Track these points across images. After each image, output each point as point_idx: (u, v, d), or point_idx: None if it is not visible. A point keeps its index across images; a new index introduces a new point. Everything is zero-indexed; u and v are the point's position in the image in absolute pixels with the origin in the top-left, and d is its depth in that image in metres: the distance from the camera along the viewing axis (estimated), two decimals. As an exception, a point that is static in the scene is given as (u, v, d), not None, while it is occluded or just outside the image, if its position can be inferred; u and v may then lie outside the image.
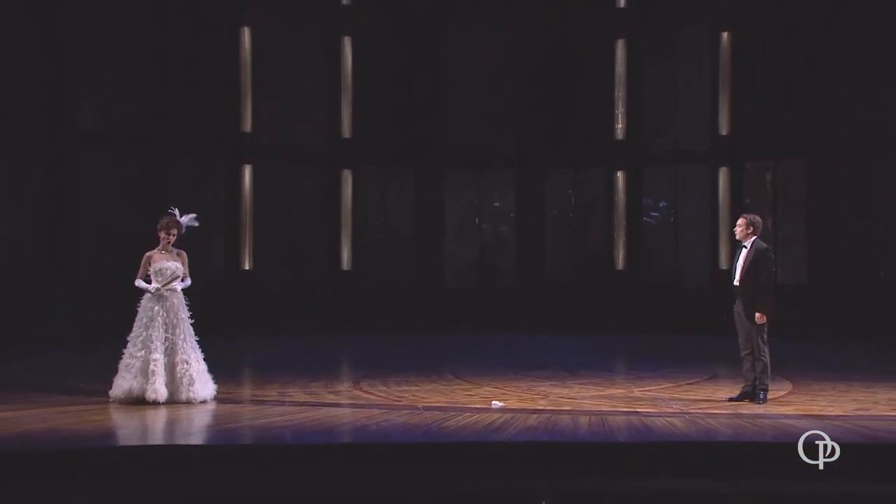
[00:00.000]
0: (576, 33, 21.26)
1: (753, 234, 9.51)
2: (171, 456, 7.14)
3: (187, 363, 9.41)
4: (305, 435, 7.98)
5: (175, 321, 9.45)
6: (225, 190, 20.37)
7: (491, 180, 21.91)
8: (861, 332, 17.61)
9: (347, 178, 20.93)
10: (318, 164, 20.97)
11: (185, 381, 9.36)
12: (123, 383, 9.35)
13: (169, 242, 9.61)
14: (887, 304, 18.12)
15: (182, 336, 9.45)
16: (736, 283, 9.51)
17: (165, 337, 9.40)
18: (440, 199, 21.37)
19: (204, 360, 9.60)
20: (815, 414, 8.80)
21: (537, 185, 21.43)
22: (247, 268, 20.22)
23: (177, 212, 9.73)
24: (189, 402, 9.30)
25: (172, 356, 9.39)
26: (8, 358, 14.12)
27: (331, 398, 10.16)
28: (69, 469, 6.75)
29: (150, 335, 9.36)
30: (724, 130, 20.45)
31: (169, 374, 9.36)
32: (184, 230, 9.71)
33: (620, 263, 21.04)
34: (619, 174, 21.15)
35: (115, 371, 9.47)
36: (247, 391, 11.01)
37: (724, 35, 20.49)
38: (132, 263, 9.69)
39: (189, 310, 9.60)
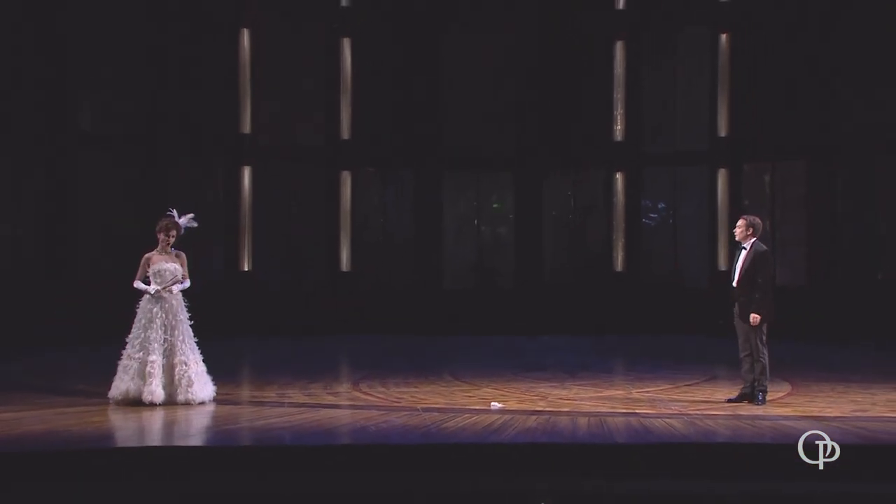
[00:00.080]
0: (575, 34, 21.26)
1: (753, 235, 9.52)
2: (171, 457, 7.15)
3: (186, 364, 9.41)
4: (305, 436, 7.99)
5: (174, 322, 9.46)
6: (224, 191, 20.39)
7: (490, 182, 21.90)
8: (860, 333, 17.62)
9: (346, 179, 20.94)
10: (318, 165, 20.97)
11: (183, 382, 9.36)
12: (121, 385, 9.36)
13: (168, 244, 9.62)
14: (886, 305, 18.12)
15: (181, 337, 9.46)
16: (734, 284, 9.52)
17: (164, 338, 9.40)
18: (439, 200, 21.36)
19: (203, 361, 9.61)
20: (814, 415, 8.81)
21: (536, 186, 21.43)
22: (246, 269, 20.23)
23: (175, 213, 9.74)
24: (188, 404, 9.30)
25: (171, 357, 9.39)
26: (8, 358, 14.14)
27: (330, 399, 10.17)
28: (68, 470, 6.76)
29: (149, 337, 9.37)
30: (722, 132, 20.48)
31: (168, 375, 9.37)
32: (182, 231, 9.72)
33: (619, 264, 21.06)
34: (619, 175, 21.16)
35: (113, 372, 9.48)
36: (246, 392, 11.02)
37: (723, 36, 20.52)
38: (132, 263, 9.69)
39: (188, 311, 9.61)
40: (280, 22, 20.70)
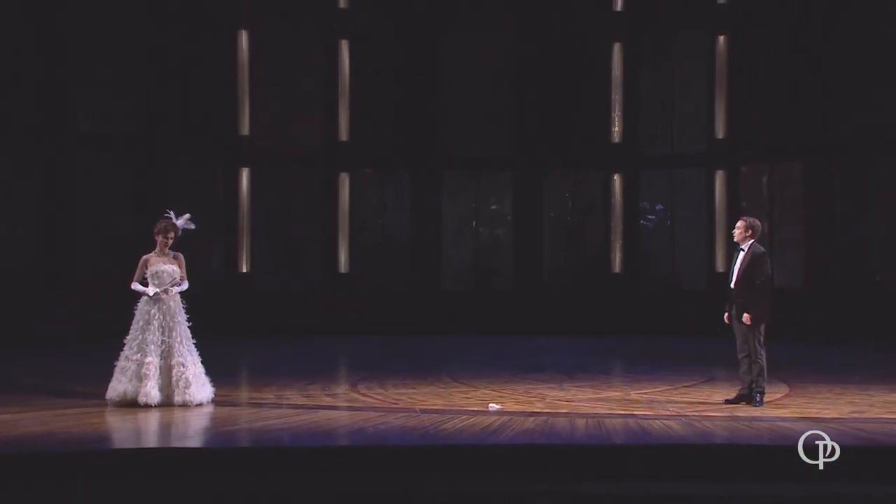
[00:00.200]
0: (575, 35, 21.28)
1: (752, 237, 9.54)
2: (169, 458, 7.15)
3: (183, 366, 9.41)
4: (303, 437, 8.00)
5: (171, 324, 9.46)
6: (223, 192, 20.39)
7: (488, 183, 21.91)
8: (857, 335, 17.64)
9: (345, 180, 20.94)
10: (316, 166, 20.98)
11: (181, 383, 9.36)
12: (119, 386, 9.35)
13: (166, 245, 9.62)
14: (883, 307, 18.14)
15: (178, 339, 9.45)
16: (732, 285, 9.54)
17: (162, 340, 9.40)
18: (438, 201, 21.37)
19: (201, 362, 9.61)
20: (812, 416, 8.82)
21: (534, 187, 21.44)
22: (244, 270, 20.24)
23: (172, 214, 9.74)
24: (185, 405, 9.29)
25: (169, 359, 9.39)
26: (7, 359, 14.13)
27: (328, 401, 10.18)
28: (67, 471, 6.76)
29: (146, 338, 9.37)
30: (720, 133, 20.51)
31: (165, 376, 9.37)
32: (180, 233, 9.72)
33: (617, 266, 21.07)
34: (616, 177, 21.18)
35: (112, 373, 9.48)
36: (244, 394, 11.02)
37: (721, 38, 20.55)
38: (131, 264, 9.69)
39: (186, 312, 9.61)
40: (279, 23, 20.71)
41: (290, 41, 20.85)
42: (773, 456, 7.10)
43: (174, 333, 9.45)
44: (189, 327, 9.58)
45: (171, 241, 9.63)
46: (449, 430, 8.11)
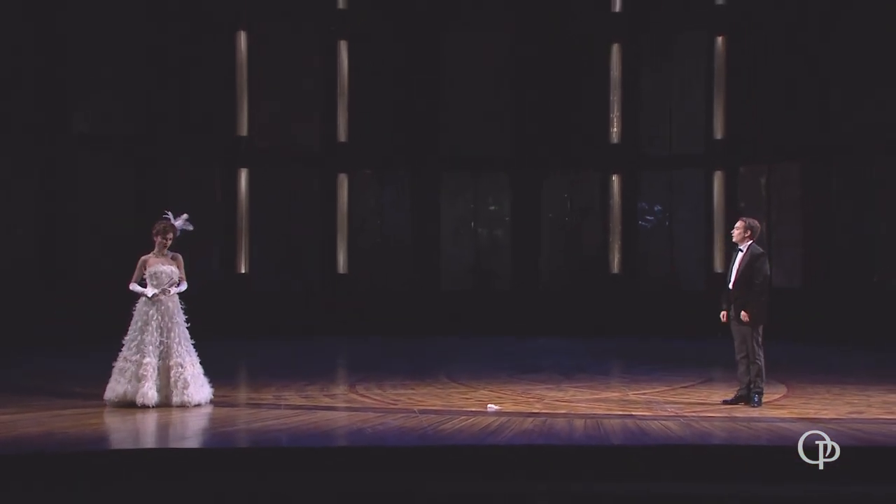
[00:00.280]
0: (574, 35, 21.29)
1: (751, 237, 9.55)
2: (168, 459, 7.16)
3: (182, 367, 9.40)
4: (301, 438, 7.99)
5: (170, 325, 9.46)
6: (222, 192, 20.40)
7: (487, 183, 21.92)
8: (856, 335, 17.65)
9: (343, 181, 20.96)
10: (315, 167, 20.99)
11: (179, 384, 9.35)
12: (117, 387, 9.35)
13: (165, 246, 9.61)
14: (882, 307, 18.16)
15: (177, 339, 9.45)
16: (731, 286, 9.55)
17: (160, 340, 9.40)
18: (437, 201, 21.38)
19: (200, 363, 9.61)
20: (810, 417, 8.82)
21: (533, 188, 21.45)
22: (243, 270, 20.25)
23: (171, 215, 9.74)
24: (184, 406, 9.29)
25: (167, 360, 9.39)
26: (7, 359, 14.12)
27: (327, 401, 10.17)
28: (65, 472, 6.76)
29: (144, 339, 9.36)
30: (718, 134, 20.53)
31: (163, 377, 9.36)
32: (178, 233, 9.72)
33: (616, 267, 21.09)
34: (615, 178, 21.20)
35: (110, 374, 9.48)
36: (243, 394, 11.01)
37: (719, 39, 20.58)
38: (131, 264, 9.69)
39: (185, 312, 9.61)
40: (278, 24, 20.73)
41: (289, 41, 20.86)
42: (772, 456, 7.11)
43: (172, 334, 9.44)
44: (188, 328, 9.58)
45: (169, 242, 9.63)
46: (447, 431, 8.11)
